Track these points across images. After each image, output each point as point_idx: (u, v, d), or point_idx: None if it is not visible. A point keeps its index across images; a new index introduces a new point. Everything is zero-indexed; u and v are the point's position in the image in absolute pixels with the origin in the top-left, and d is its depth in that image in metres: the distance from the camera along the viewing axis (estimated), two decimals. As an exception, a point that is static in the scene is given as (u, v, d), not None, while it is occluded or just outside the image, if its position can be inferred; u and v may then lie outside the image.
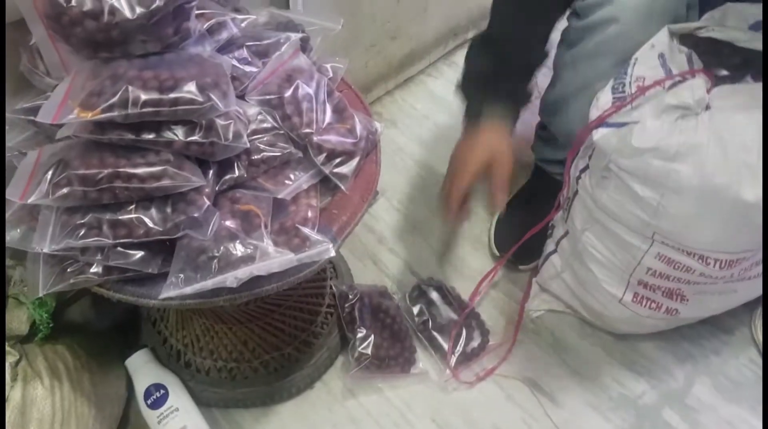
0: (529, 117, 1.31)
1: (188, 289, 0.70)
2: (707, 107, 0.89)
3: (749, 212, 0.87)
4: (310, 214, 0.80)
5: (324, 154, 0.83)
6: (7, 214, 0.75)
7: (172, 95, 0.68)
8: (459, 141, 1.19)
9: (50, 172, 0.69)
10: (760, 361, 1.24)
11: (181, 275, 0.71)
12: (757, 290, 1.07)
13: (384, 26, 1.55)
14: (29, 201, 0.69)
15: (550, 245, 1.23)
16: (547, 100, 1.21)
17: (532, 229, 1.18)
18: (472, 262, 1.38)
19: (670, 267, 0.99)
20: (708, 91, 0.91)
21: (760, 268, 1.00)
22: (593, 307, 1.17)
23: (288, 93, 0.83)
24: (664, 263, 1.00)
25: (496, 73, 1.12)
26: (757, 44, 0.94)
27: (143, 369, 1.09)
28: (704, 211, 0.91)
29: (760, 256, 0.97)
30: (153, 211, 0.71)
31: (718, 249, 0.94)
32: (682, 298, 1.05)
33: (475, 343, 1.21)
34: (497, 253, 1.37)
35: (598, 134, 0.97)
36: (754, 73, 0.94)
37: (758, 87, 0.90)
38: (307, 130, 0.83)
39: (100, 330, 1.15)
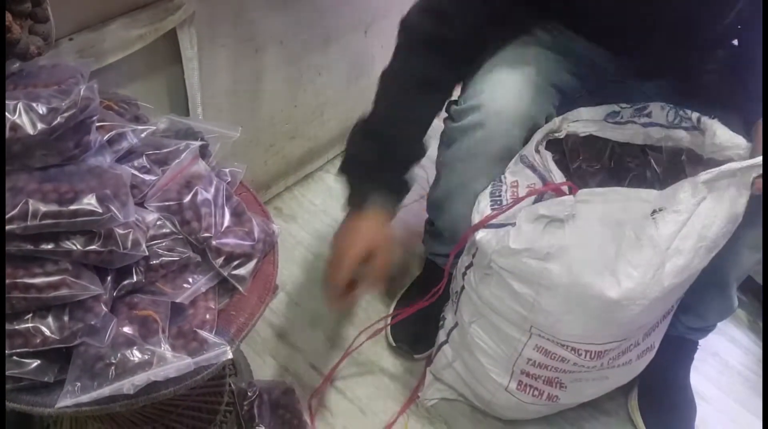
0: (421, 212, 1.39)
1: (84, 398, 0.70)
2: (573, 215, 0.99)
3: (612, 308, 0.96)
4: (208, 316, 0.83)
5: (222, 257, 0.86)
6: None
7: (72, 207, 0.69)
8: (341, 226, 1.18)
9: (-57, 284, 0.68)
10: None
11: (78, 383, 0.71)
12: (626, 377, 1.17)
13: (282, 128, 1.62)
14: None
15: (442, 336, 1.29)
16: (431, 199, 1.30)
17: (427, 319, 1.24)
18: (369, 352, 1.41)
19: (547, 357, 1.07)
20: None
21: (626, 358, 1.10)
22: (482, 396, 1.23)
23: (187, 199, 0.86)
24: (541, 354, 1.07)
25: (378, 162, 1.14)
26: (612, 133, 1.11)
27: (30, 480, 1.05)
28: (573, 306, 0.99)
29: (625, 346, 1.07)
30: (50, 320, 0.71)
31: (587, 341, 1.03)
32: (561, 386, 1.12)
33: None
34: (393, 344, 1.42)
35: (480, 235, 1.06)
36: (616, 160, 1.12)
37: (613, 191, 1.01)
38: (206, 235, 0.86)
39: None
